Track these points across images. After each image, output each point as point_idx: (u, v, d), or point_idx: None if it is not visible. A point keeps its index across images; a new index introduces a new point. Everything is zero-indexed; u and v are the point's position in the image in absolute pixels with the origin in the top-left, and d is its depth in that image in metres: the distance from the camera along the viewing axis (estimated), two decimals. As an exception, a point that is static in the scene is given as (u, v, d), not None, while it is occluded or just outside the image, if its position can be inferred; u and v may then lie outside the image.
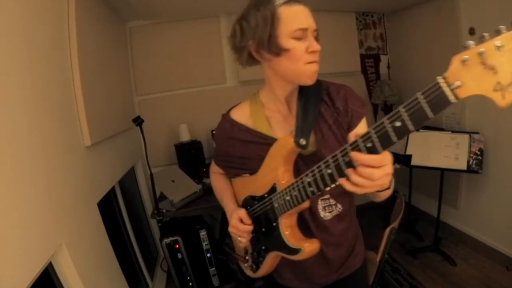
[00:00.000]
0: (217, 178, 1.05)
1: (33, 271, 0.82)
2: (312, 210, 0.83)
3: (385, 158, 0.54)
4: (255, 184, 0.86)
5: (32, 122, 0.94)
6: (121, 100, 1.99)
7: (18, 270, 0.76)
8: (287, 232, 0.79)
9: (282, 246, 0.80)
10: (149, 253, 2.34)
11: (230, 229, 0.86)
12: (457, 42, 2.17)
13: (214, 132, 2.33)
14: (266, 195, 0.82)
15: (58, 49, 1.20)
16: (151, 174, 1.79)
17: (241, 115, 0.88)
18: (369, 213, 2.93)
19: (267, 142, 0.81)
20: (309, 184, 0.67)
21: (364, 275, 1.00)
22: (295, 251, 0.77)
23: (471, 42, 0.43)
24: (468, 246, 2.29)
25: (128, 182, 2.15)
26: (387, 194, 0.72)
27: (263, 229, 0.85)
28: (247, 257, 0.96)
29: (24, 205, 0.83)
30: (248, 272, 0.98)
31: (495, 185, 2.11)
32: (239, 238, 0.86)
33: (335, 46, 2.68)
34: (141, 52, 2.34)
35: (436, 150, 2.13)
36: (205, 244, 1.99)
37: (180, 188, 1.91)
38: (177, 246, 1.87)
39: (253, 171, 0.86)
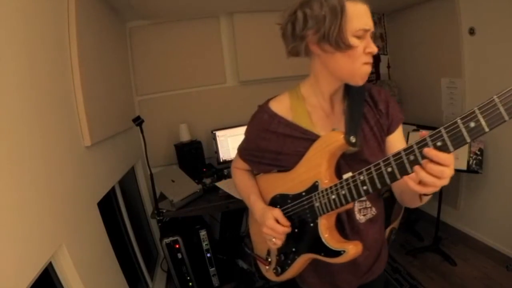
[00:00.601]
0: (241, 174, 0.99)
1: (33, 271, 0.82)
2: (349, 212, 0.80)
3: (453, 159, 0.54)
4: (290, 182, 0.81)
5: (32, 122, 0.94)
6: (121, 100, 1.99)
7: (18, 270, 0.76)
8: (326, 234, 0.74)
9: (321, 248, 0.75)
10: (149, 253, 2.34)
11: (265, 230, 0.80)
12: (457, 42, 2.17)
13: (220, 128, 2.34)
14: (304, 194, 0.78)
15: (58, 49, 1.20)
16: (151, 174, 1.79)
17: (281, 107, 0.82)
18: (369, 213, 2.93)
19: (308, 137, 0.78)
20: (363, 183, 0.65)
21: (383, 279, 0.98)
22: (337, 253, 0.72)
23: None
24: (468, 246, 2.29)
25: (128, 182, 2.15)
26: (426, 200, 0.73)
27: (296, 230, 0.81)
28: (269, 259, 0.91)
29: (24, 205, 0.83)
30: (270, 275, 0.92)
31: (495, 185, 2.11)
32: (273, 240, 0.80)
33: (335, 46, 2.68)
34: (141, 52, 2.34)
35: (436, 150, 2.13)
36: (205, 244, 1.99)
37: (180, 188, 1.91)
38: (177, 246, 1.87)
39: (286, 167, 0.82)
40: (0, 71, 0.82)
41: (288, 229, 0.79)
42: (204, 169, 2.28)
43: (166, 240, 1.85)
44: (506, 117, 0.47)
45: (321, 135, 0.76)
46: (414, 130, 2.32)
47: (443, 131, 0.53)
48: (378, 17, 2.92)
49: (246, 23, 2.42)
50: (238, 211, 2.43)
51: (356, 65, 0.69)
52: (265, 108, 0.84)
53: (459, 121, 0.51)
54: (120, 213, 1.87)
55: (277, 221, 0.79)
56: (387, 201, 0.94)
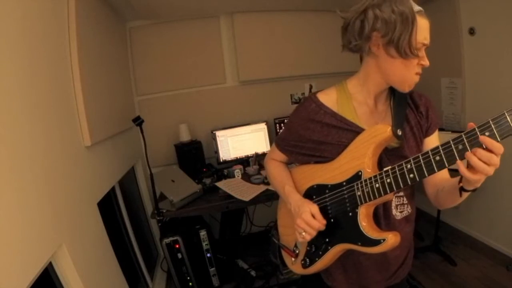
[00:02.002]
0: (276, 165, 1.00)
1: (33, 271, 0.82)
2: (386, 206, 0.82)
3: (502, 149, 0.58)
4: (330, 172, 0.83)
5: (32, 123, 0.94)
6: (121, 100, 1.99)
7: (18, 270, 0.76)
8: (364, 223, 0.75)
9: (359, 237, 0.76)
10: (149, 253, 2.34)
11: (299, 222, 0.80)
12: (457, 42, 2.17)
13: (220, 128, 2.34)
14: (345, 183, 0.79)
15: (58, 49, 1.20)
16: (151, 174, 1.79)
17: (328, 99, 0.85)
18: (369, 213, 2.94)
19: (352, 129, 0.80)
20: (410, 171, 0.67)
21: (405, 284, 0.98)
22: (375, 242, 0.73)
23: None
24: (468, 246, 2.29)
25: (128, 182, 2.15)
26: (466, 196, 0.74)
27: (332, 220, 0.82)
28: (296, 251, 0.91)
29: (25, 205, 0.83)
30: (296, 268, 0.92)
31: (495, 185, 2.11)
32: (303, 234, 0.80)
33: (335, 46, 2.67)
34: (141, 52, 2.34)
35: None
36: (205, 244, 1.99)
37: (180, 188, 1.91)
38: (177, 246, 1.87)
39: (326, 158, 0.84)
40: (1, 71, 0.82)
41: (322, 227, 0.80)
42: (204, 169, 2.28)
43: (166, 240, 1.85)
44: None
45: (364, 128, 0.79)
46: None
47: (491, 122, 0.57)
48: (378, 17, 2.91)
49: (246, 23, 2.42)
50: (238, 211, 2.43)
51: (410, 74, 0.73)
52: (313, 98, 0.86)
53: (506, 113, 0.56)
54: (120, 213, 1.87)
55: (313, 216, 0.80)
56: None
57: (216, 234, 2.46)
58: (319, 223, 0.79)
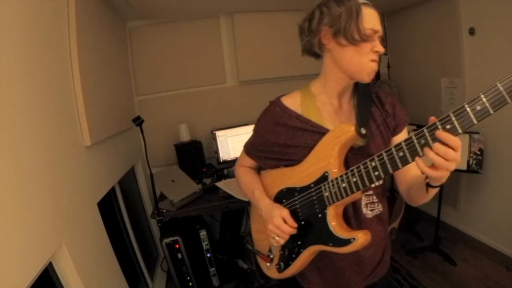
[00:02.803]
0: (245, 171, 1.01)
1: (33, 271, 0.82)
2: (356, 205, 0.83)
3: (460, 143, 0.58)
4: (297, 175, 0.83)
5: (32, 123, 0.94)
6: (121, 100, 1.99)
7: (18, 270, 0.76)
8: (334, 223, 0.76)
9: (329, 238, 0.76)
10: (149, 253, 2.34)
11: (270, 227, 0.81)
12: (457, 42, 2.17)
13: (220, 128, 2.34)
14: (312, 185, 0.80)
15: (58, 49, 1.20)
16: (151, 174, 1.79)
17: (292, 102, 0.87)
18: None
19: (317, 130, 0.81)
20: (375, 169, 0.68)
21: (387, 283, 0.98)
22: (346, 242, 0.74)
23: None
24: (468, 246, 2.29)
25: (128, 182, 2.15)
26: (434, 193, 0.76)
27: (302, 223, 0.82)
28: (271, 256, 0.91)
29: (25, 205, 0.83)
30: (272, 273, 0.92)
31: (495, 185, 2.11)
32: (276, 238, 0.81)
33: (335, 46, 2.68)
34: (141, 52, 2.34)
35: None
36: (205, 244, 1.99)
37: (180, 188, 1.91)
38: (177, 246, 1.87)
39: (294, 161, 0.84)
40: (1, 71, 0.82)
41: (294, 230, 0.80)
42: (204, 169, 2.28)
43: (166, 240, 1.85)
44: (509, 100, 0.53)
45: (328, 129, 0.80)
46: (413, 130, 2.31)
47: (451, 115, 0.58)
48: (378, 17, 2.92)
49: (246, 23, 2.42)
50: (238, 211, 2.43)
51: (364, 60, 0.75)
52: (277, 102, 0.88)
53: (466, 105, 0.56)
54: (120, 213, 1.87)
55: (284, 221, 0.80)
56: (387, 201, 0.95)
57: (216, 234, 2.46)
58: (290, 227, 0.79)
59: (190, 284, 1.95)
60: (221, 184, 1.99)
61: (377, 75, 2.98)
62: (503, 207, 2.06)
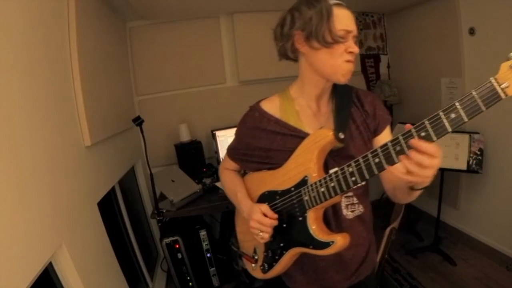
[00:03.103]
0: (228, 174, 1.02)
1: (33, 271, 0.82)
2: (336, 207, 0.83)
3: (438, 151, 0.57)
4: (279, 178, 0.84)
5: (32, 123, 0.94)
6: (121, 100, 1.99)
7: (18, 270, 0.76)
8: (314, 226, 0.77)
9: (309, 241, 0.77)
10: (149, 253, 2.34)
11: (252, 223, 0.81)
12: (457, 42, 2.17)
13: (220, 128, 2.34)
14: (293, 189, 0.80)
15: (58, 49, 1.20)
16: (151, 174, 1.79)
17: (271, 106, 0.87)
18: (369, 213, 2.93)
19: (296, 134, 0.82)
20: (352, 174, 0.68)
21: (373, 283, 0.99)
22: (325, 245, 0.75)
23: None
24: (468, 246, 2.29)
25: (128, 182, 2.15)
26: (417, 194, 0.75)
27: (284, 225, 0.83)
28: (255, 257, 0.93)
29: (25, 205, 0.83)
30: (256, 273, 0.94)
31: (495, 185, 2.11)
32: (260, 234, 0.81)
33: (335, 46, 2.68)
34: (141, 52, 2.34)
35: (436, 150, 2.13)
36: (205, 244, 1.99)
37: (180, 188, 1.91)
38: (177, 246, 1.87)
39: (275, 165, 0.85)
40: (1, 71, 0.82)
41: (275, 222, 0.81)
42: (204, 169, 2.28)
43: (166, 240, 1.85)
44: (484, 108, 0.54)
45: (308, 132, 0.81)
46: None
47: (426, 123, 0.58)
48: (378, 17, 2.92)
49: (246, 23, 2.42)
50: (238, 211, 2.43)
51: (338, 61, 0.75)
52: (256, 107, 0.89)
53: (441, 113, 0.57)
54: (120, 213, 1.87)
55: (264, 215, 0.81)
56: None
57: (216, 234, 2.46)
58: (271, 218, 0.80)
59: (190, 284, 1.95)
60: (221, 184, 1.98)
61: (377, 75, 2.98)
62: (503, 207, 2.06)
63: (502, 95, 0.54)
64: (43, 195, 0.94)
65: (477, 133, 2.05)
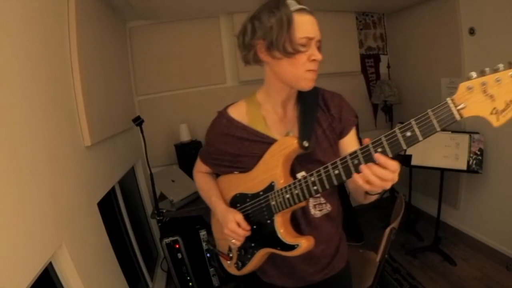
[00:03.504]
0: (202, 177, 1.04)
1: (33, 271, 0.82)
2: (304, 208, 0.85)
3: (398, 167, 0.61)
4: (248, 182, 0.87)
5: (32, 123, 0.94)
6: (121, 100, 1.99)
7: (18, 270, 0.76)
8: (281, 230, 0.81)
9: (277, 243, 0.81)
10: (149, 253, 2.34)
11: (226, 231, 0.85)
12: (457, 42, 2.17)
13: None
14: (261, 193, 0.83)
15: (58, 49, 1.20)
16: (151, 174, 1.79)
17: (238, 112, 0.89)
18: (369, 213, 2.93)
19: (263, 140, 0.83)
20: (314, 183, 0.71)
21: (347, 276, 1.02)
22: (291, 247, 0.79)
23: (473, 74, 0.54)
24: (468, 246, 2.29)
25: (128, 182, 2.15)
26: (374, 198, 0.78)
27: (254, 227, 0.86)
28: (230, 255, 0.96)
29: (25, 205, 0.83)
30: (232, 270, 0.98)
31: (495, 185, 2.11)
32: (233, 241, 0.85)
33: (335, 46, 2.68)
34: (141, 52, 2.34)
35: (436, 150, 2.13)
36: (205, 244, 1.99)
37: (180, 188, 1.91)
38: (177, 246, 1.87)
39: (244, 169, 0.87)
40: (1, 71, 0.82)
41: (248, 233, 0.84)
42: (204, 169, 2.28)
43: (166, 240, 1.85)
44: (438, 128, 0.56)
45: (275, 138, 0.82)
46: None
47: (383, 139, 0.61)
48: (378, 17, 2.92)
49: (246, 23, 2.42)
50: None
51: (300, 71, 0.75)
52: (223, 113, 0.90)
53: (397, 131, 0.59)
54: (120, 213, 1.87)
55: (238, 225, 0.84)
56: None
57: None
58: (244, 230, 0.83)
59: (190, 284, 1.95)
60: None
61: (377, 75, 2.98)
62: (503, 207, 2.06)
63: (457, 116, 0.55)
64: (43, 195, 0.94)
65: (477, 133, 2.05)
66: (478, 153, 1.98)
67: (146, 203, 2.38)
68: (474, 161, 1.97)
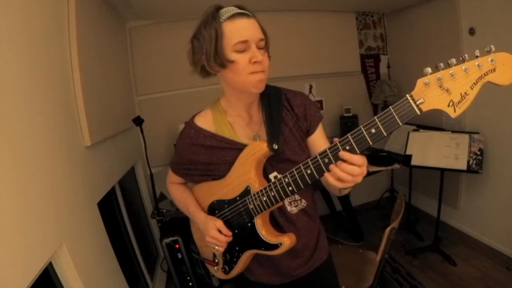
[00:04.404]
0: (177, 188, 1.04)
1: (33, 271, 0.82)
2: (280, 206, 0.87)
3: (364, 160, 0.65)
4: (223, 188, 0.88)
5: (32, 123, 0.94)
6: (121, 100, 1.99)
7: (18, 270, 0.76)
8: (263, 232, 0.83)
9: (261, 244, 0.84)
10: (149, 253, 2.34)
11: (208, 239, 0.86)
12: (457, 42, 2.18)
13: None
14: (238, 198, 0.85)
15: (58, 49, 1.20)
16: (151, 174, 1.79)
17: (205, 121, 0.89)
18: (369, 213, 2.94)
19: (232, 146, 0.85)
20: (288, 184, 0.74)
21: (331, 267, 1.05)
22: (275, 246, 0.82)
23: (429, 69, 0.58)
24: (468, 246, 2.29)
25: (128, 182, 2.15)
26: (346, 191, 0.82)
27: (236, 231, 0.88)
28: (216, 260, 0.98)
29: (25, 205, 0.83)
30: (220, 275, 0.99)
31: (495, 185, 2.11)
32: (216, 247, 0.87)
33: (335, 46, 2.68)
34: (141, 52, 2.34)
35: (436, 150, 2.13)
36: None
37: (180, 188, 1.91)
38: (177, 246, 1.87)
39: (217, 176, 0.89)
40: (1, 72, 0.82)
41: (229, 238, 0.86)
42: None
43: (166, 240, 1.85)
44: (400, 123, 0.60)
45: (243, 143, 0.84)
46: (414, 130, 2.32)
47: (350, 137, 0.64)
48: (378, 17, 2.92)
49: (246, 23, 2.42)
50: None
51: (243, 76, 0.75)
52: (191, 124, 0.90)
53: (362, 128, 0.63)
54: (120, 213, 1.87)
55: (219, 231, 0.86)
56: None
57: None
58: (226, 235, 0.85)
59: (190, 284, 1.95)
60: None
61: (377, 75, 2.98)
62: (503, 207, 2.06)
63: (417, 110, 0.58)
64: (43, 195, 0.94)
65: (477, 133, 2.05)
66: (478, 153, 1.98)
67: (146, 203, 2.38)
68: (474, 161, 1.97)
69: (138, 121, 1.72)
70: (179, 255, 1.89)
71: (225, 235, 0.85)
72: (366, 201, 3.01)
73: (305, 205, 0.92)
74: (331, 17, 2.64)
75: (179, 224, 2.01)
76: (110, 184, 1.61)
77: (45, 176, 0.97)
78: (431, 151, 2.15)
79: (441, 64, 0.57)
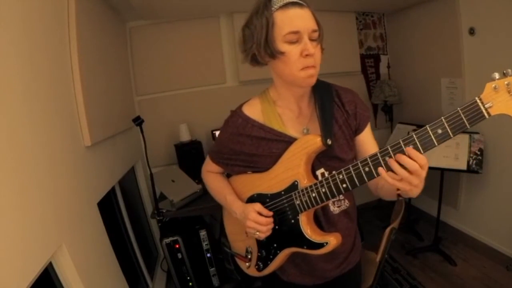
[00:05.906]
0: (214, 177, 1.02)
1: (33, 271, 0.82)
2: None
3: (426, 161, 0.62)
4: (267, 182, 0.85)
5: (32, 123, 0.94)
6: (121, 100, 1.99)
7: (18, 270, 0.76)
8: (308, 230, 0.80)
9: (303, 242, 0.80)
10: (149, 253, 2.34)
11: (248, 223, 0.82)
12: (457, 42, 2.17)
13: (219, 128, 2.34)
14: (283, 193, 0.82)
15: (58, 49, 1.20)
16: (151, 174, 1.79)
17: (253, 111, 0.86)
18: (369, 213, 2.93)
19: (281, 139, 0.82)
20: (343, 181, 0.71)
21: (360, 269, 1.03)
22: (319, 245, 0.78)
23: (496, 74, 0.57)
24: (468, 246, 2.29)
25: (128, 182, 2.15)
26: (405, 197, 0.78)
27: (276, 227, 0.84)
28: (249, 256, 0.94)
29: (25, 205, 0.83)
30: (252, 272, 0.96)
31: (495, 185, 2.11)
32: (257, 233, 0.82)
33: (335, 46, 2.68)
34: (141, 52, 2.34)
35: (436, 150, 2.12)
36: (205, 244, 1.99)
37: (180, 188, 1.91)
38: (177, 246, 1.87)
39: (260, 168, 0.86)
40: (1, 72, 0.82)
41: (270, 219, 0.82)
42: (204, 169, 2.28)
43: (166, 240, 1.85)
44: (468, 126, 0.59)
45: (293, 136, 0.81)
46: (414, 130, 2.32)
47: (414, 136, 0.62)
48: (378, 17, 2.92)
49: (246, 23, 2.42)
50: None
51: (293, 70, 0.73)
52: (238, 112, 0.88)
53: (428, 128, 0.61)
54: (120, 213, 1.87)
55: (259, 214, 0.82)
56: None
57: (216, 234, 2.46)
58: (266, 216, 0.82)
59: (190, 284, 1.95)
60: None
61: (377, 75, 2.98)
62: (503, 207, 2.06)
63: (486, 114, 0.58)
64: (43, 195, 0.93)
65: (477, 133, 2.05)
66: (478, 153, 1.98)
67: (146, 203, 2.38)
68: (474, 161, 1.97)
69: (138, 121, 1.72)
70: (179, 255, 1.89)
71: (265, 216, 0.81)
72: (366, 201, 3.01)
73: (347, 205, 0.89)
74: (331, 17, 2.64)
75: (179, 224, 2.01)
76: (110, 184, 1.61)
77: (45, 176, 0.96)
78: (431, 151, 2.14)
79: (509, 70, 0.56)
